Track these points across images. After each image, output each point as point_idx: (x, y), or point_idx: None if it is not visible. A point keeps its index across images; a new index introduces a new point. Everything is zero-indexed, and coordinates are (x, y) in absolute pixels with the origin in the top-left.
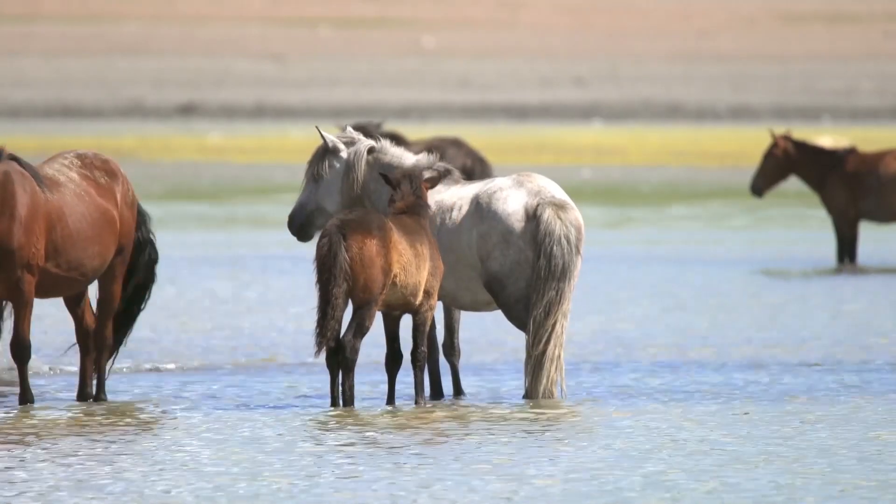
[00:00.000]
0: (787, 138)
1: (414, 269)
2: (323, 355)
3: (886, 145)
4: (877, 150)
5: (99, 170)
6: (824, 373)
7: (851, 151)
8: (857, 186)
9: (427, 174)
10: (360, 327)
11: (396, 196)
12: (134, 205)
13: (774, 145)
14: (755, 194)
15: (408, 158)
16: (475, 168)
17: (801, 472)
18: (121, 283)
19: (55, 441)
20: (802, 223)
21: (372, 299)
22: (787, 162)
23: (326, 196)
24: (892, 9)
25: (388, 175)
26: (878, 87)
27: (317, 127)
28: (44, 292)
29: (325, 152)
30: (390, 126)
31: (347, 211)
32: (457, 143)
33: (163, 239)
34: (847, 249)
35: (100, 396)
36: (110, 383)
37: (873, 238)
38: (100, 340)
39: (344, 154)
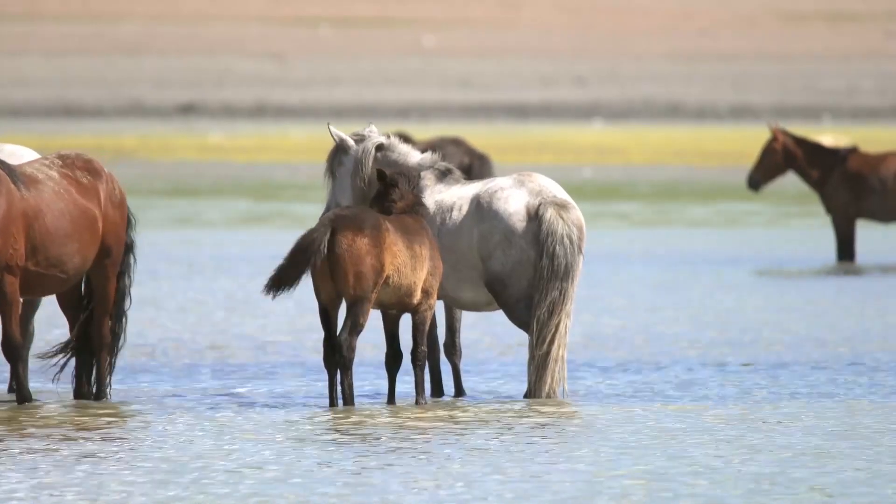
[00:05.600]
0: (786, 133)
1: (409, 271)
2: (323, 354)
3: (887, 145)
4: (879, 152)
5: (81, 169)
6: (827, 373)
7: (853, 151)
8: (860, 187)
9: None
10: (354, 325)
11: (395, 195)
12: (122, 204)
13: (774, 139)
14: (752, 188)
15: (413, 156)
16: (474, 164)
17: (796, 472)
18: (114, 282)
19: (47, 440)
20: (803, 222)
21: (364, 296)
22: (786, 157)
23: (340, 193)
24: (893, 8)
25: (384, 171)
26: (878, 87)
27: (328, 124)
28: (24, 291)
29: (338, 150)
30: (390, 126)
31: (345, 207)
32: (456, 142)
33: (163, 238)
34: (846, 248)
35: (101, 396)
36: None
37: (876, 236)
38: (98, 339)
39: (352, 151)
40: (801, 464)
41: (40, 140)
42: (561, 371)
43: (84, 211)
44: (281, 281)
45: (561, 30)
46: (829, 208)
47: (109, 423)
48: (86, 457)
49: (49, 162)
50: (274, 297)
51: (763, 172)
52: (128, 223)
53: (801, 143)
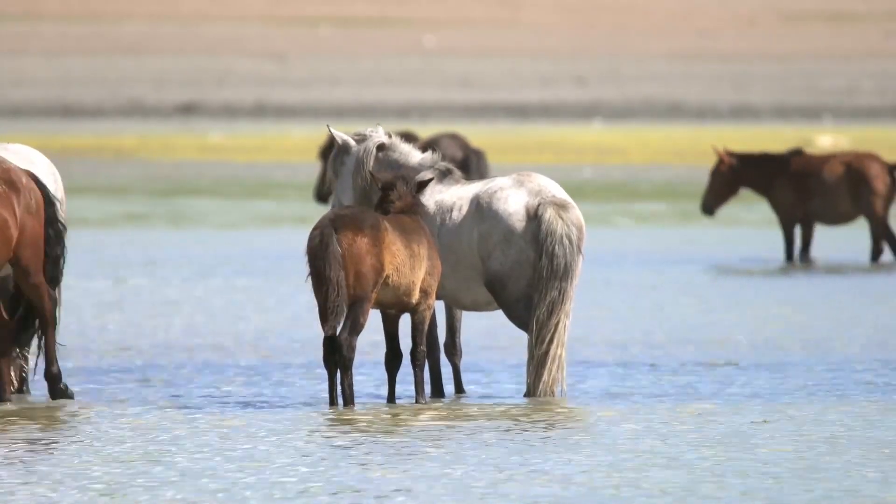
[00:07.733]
0: (731, 154)
1: (408, 270)
2: (321, 354)
3: (887, 144)
4: (821, 154)
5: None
6: (825, 373)
7: (797, 153)
8: (803, 188)
9: (428, 175)
10: (354, 325)
11: (393, 196)
12: (39, 213)
13: (720, 162)
14: (706, 213)
15: (414, 156)
16: (470, 159)
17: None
18: (40, 276)
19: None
20: None
21: (364, 296)
22: (733, 176)
23: (342, 192)
24: (893, 8)
25: (378, 176)
26: (878, 87)
27: (328, 125)
28: None
29: (340, 150)
30: (391, 126)
31: (344, 207)
32: (453, 136)
33: (162, 237)
34: (803, 248)
35: (55, 380)
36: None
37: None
38: (44, 318)
39: (354, 151)
40: (803, 463)
41: (40, 140)
42: (559, 370)
43: None
44: (327, 303)
45: (561, 30)
46: (777, 210)
47: (99, 421)
48: (73, 454)
49: None
50: (333, 329)
51: (714, 196)
52: (50, 203)
53: (746, 159)
